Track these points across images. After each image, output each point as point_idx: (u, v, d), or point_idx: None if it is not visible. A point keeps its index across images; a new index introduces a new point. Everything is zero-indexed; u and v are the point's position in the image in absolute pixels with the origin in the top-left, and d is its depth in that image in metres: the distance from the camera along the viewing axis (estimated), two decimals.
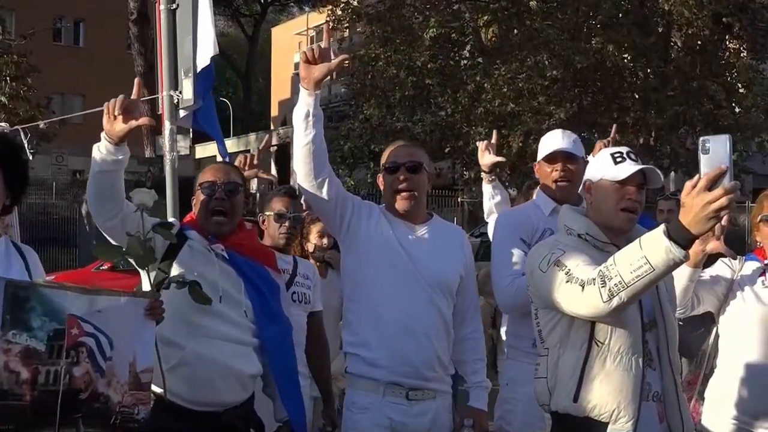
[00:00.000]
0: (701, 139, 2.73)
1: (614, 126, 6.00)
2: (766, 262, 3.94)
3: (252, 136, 36.79)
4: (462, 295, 3.86)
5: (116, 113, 3.31)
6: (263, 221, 4.79)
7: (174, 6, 5.55)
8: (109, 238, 3.50)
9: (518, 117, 22.55)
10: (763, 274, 3.91)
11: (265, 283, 3.76)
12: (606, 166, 3.22)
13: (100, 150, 3.33)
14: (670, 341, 3.19)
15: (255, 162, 4.78)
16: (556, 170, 4.25)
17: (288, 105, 54.74)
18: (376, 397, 3.64)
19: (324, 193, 3.62)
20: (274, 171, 34.01)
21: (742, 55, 25.78)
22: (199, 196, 3.68)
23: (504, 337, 5.20)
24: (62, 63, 34.15)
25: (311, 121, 3.53)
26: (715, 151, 2.69)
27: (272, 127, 44.04)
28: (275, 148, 35.54)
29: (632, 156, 3.22)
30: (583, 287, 2.94)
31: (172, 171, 5.51)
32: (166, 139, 5.57)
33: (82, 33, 40.08)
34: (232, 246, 3.69)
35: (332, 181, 3.64)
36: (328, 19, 27.28)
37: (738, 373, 3.88)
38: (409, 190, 3.74)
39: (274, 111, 55.63)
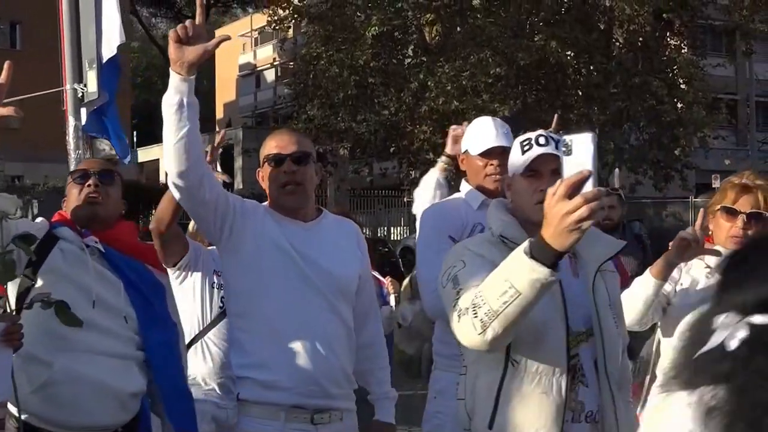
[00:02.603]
0: (563, 138, 2.33)
1: (555, 116, 5.69)
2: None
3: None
4: (360, 296, 3.41)
5: None
6: None
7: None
8: None
9: (463, 115, 22.14)
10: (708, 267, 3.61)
11: (148, 285, 3.31)
12: (516, 157, 2.84)
13: None
14: (609, 353, 2.76)
15: (207, 160, 4.24)
16: (491, 165, 3.86)
17: (233, 107, 54.31)
18: (277, 425, 3.15)
19: (202, 194, 3.10)
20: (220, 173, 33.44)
21: (683, 51, 25.90)
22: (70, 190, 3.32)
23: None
24: None
25: (185, 112, 2.98)
26: (578, 153, 2.27)
27: (217, 130, 43.34)
28: (219, 150, 35.00)
29: (541, 140, 2.81)
30: (459, 316, 2.52)
31: None
32: (70, 137, 5.12)
33: (18, 33, 38.99)
34: (107, 241, 3.25)
35: (210, 181, 3.14)
36: (269, 18, 26.89)
37: None
38: (297, 183, 3.25)
39: (219, 113, 55.12)
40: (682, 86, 24.73)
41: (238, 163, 33.63)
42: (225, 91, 55.88)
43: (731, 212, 3.56)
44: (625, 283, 3.69)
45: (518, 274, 2.34)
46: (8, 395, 2.83)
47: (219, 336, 4.37)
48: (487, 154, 3.88)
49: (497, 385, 2.71)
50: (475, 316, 2.44)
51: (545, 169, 2.77)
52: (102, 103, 5.04)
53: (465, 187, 4.09)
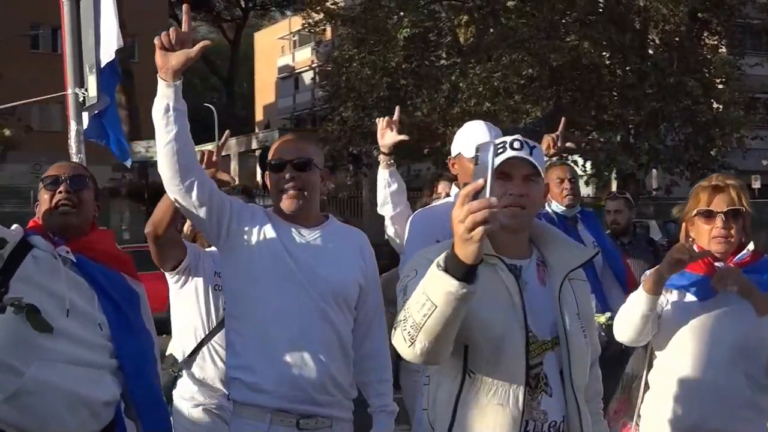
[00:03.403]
0: (476, 146, 2.27)
1: (562, 119, 5.60)
2: (716, 264, 3.53)
3: (233, 141, 36.33)
4: (363, 307, 3.36)
5: None
6: None
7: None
8: None
9: (495, 116, 22.01)
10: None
11: (121, 293, 3.26)
12: (490, 159, 2.77)
13: None
14: (574, 362, 2.68)
15: (213, 159, 4.18)
16: None
17: (272, 109, 54.44)
18: (263, 427, 3.13)
19: (194, 197, 3.12)
20: (259, 175, 33.61)
21: (720, 50, 25.50)
22: (42, 196, 3.26)
23: None
24: (40, 70, 33.67)
25: (172, 116, 3.02)
26: (482, 161, 2.23)
27: (255, 132, 43.54)
28: (259, 151, 35.11)
29: (516, 144, 2.73)
30: (395, 328, 2.45)
31: None
32: (72, 141, 5.15)
33: (59, 40, 39.40)
34: (81, 250, 3.21)
35: (203, 184, 3.14)
36: (303, 21, 26.95)
37: (671, 386, 3.47)
38: (297, 189, 3.23)
39: (259, 115, 55.31)
40: (719, 86, 24.35)
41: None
42: (264, 94, 56.05)
43: (708, 214, 3.49)
44: (633, 288, 3.61)
45: (433, 286, 2.27)
46: None
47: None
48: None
49: (455, 396, 2.64)
50: (404, 329, 2.39)
51: (517, 173, 2.69)
52: (102, 107, 5.06)
53: (455, 191, 4.03)
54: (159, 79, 3.04)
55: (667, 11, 23.02)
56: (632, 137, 24.18)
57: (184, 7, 3.18)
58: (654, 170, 26.11)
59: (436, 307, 2.26)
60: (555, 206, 5.51)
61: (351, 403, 3.34)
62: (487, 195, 2.12)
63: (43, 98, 6.90)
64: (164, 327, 4.32)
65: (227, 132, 4.39)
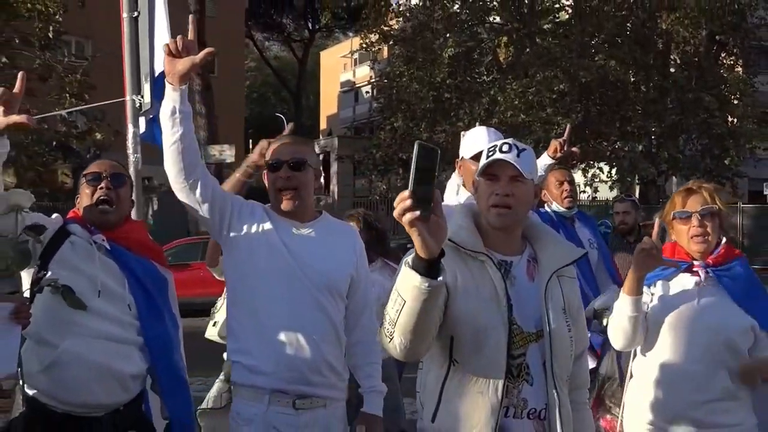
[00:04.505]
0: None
1: (567, 126, 5.38)
2: (695, 261, 3.31)
3: None
4: (353, 296, 3.23)
5: None
6: None
7: (135, 14, 5.08)
8: None
9: (529, 127, 21.87)
10: (687, 270, 3.31)
11: (150, 279, 3.17)
12: (482, 161, 2.61)
13: None
14: (556, 354, 2.52)
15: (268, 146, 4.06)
16: None
17: (335, 119, 54.64)
18: (261, 407, 3.00)
19: (197, 195, 3.02)
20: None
21: (735, 69, 24.96)
22: (83, 190, 3.17)
23: None
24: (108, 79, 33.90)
25: (178, 118, 2.91)
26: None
27: (319, 138, 43.67)
28: (321, 156, 35.17)
29: (505, 148, 2.57)
30: (381, 326, 2.31)
31: (135, 172, 5.01)
32: (129, 142, 5.06)
33: None
34: (116, 238, 3.13)
35: (206, 182, 3.03)
36: (362, 42, 26.90)
37: (652, 377, 3.26)
38: (293, 188, 3.13)
39: (323, 124, 55.56)
40: (734, 102, 23.84)
41: (334, 167, 33.69)
42: (328, 105, 56.29)
43: (684, 215, 3.28)
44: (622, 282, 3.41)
45: (402, 283, 2.14)
46: (12, 370, 2.74)
47: None
48: (477, 158, 3.66)
49: (441, 383, 2.52)
50: (384, 326, 2.27)
51: (503, 174, 2.55)
52: (156, 113, 4.97)
53: (463, 191, 3.86)
54: (166, 83, 2.93)
55: (688, 34, 22.67)
56: (653, 147, 23.75)
57: (190, 17, 3.07)
58: (673, 177, 25.56)
59: (405, 302, 2.14)
60: (555, 206, 5.32)
61: (344, 385, 3.20)
62: (407, 191, 1.96)
63: (108, 102, 6.84)
64: None
65: (291, 124, 4.21)
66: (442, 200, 2.24)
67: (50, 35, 18.78)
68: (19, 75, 2.94)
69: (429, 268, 2.07)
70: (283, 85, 52.11)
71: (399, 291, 2.14)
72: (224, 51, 40.19)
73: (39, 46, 18.61)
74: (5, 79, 17.84)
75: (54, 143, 19.78)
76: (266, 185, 3.22)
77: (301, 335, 3.02)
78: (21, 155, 19.38)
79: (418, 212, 1.96)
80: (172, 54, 2.88)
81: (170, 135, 2.94)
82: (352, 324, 3.23)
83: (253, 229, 3.11)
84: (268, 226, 3.11)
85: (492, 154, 2.56)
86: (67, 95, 18.11)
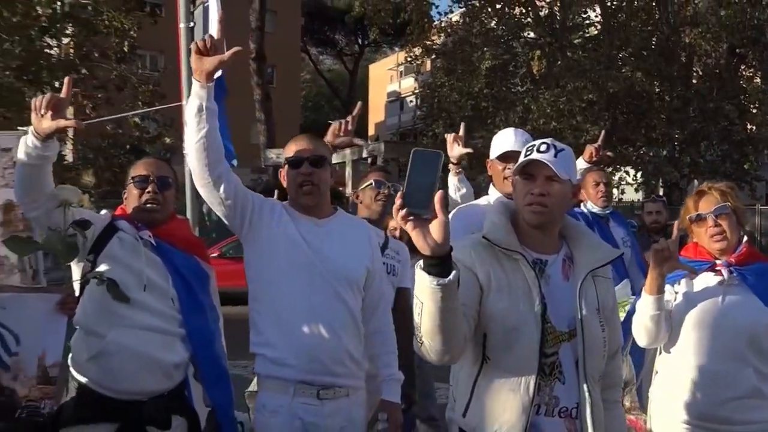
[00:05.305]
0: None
1: (603, 133, 5.20)
2: (717, 261, 3.08)
3: (347, 150, 36.36)
4: (370, 288, 3.07)
5: (43, 111, 2.67)
6: (357, 196, 4.10)
7: (192, 24, 5.00)
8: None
9: (560, 133, 21.42)
10: (709, 270, 3.08)
11: (193, 274, 3.05)
12: (519, 160, 2.42)
13: (27, 143, 2.69)
14: (588, 352, 2.33)
15: (348, 128, 3.83)
16: (509, 168, 3.49)
17: (382, 126, 54.56)
18: (286, 399, 2.86)
19: (221, 191, 2.86)
20: None
21: (755, 80, 24.27)
22: (131, 190, 3.05)
23: None
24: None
25: (204, 115, 2.75)
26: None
27: (368, 142, 43.62)
28: (369, 159, 35.05)
29: (542, 147, 2.37)
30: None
31: (190, 172, 4.90)
32: (185, 144, 4.96)
33: None
34: (160, 235, 3.01)
35: (229, 178, 2.88)
36: (407, 56, 26.70)
37: (678, 374, 3.03)
38: (312, 183, 2.98)
39: (371, 131, 55.49)
40: (753, 110, 23.18)
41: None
42: (376, 113, 56.26)
43: (699, 218, 3.06)
44: None
45: (417, 285, 1.98)
46: (58, 359, 2.64)
47: None
48: (504, 158, 3.50)
49: (474, 378, 2.34)
50: (414, 331, 2.09)
51: (539, 174, 2.37)
52: None
53: (492, 191, 3.69)
54: (194, 81, 2.79)
55: (709, 47, 22.07)
56: (677, 152, 23.18)
57: (218, 17, 2.93)
58: (695, 180, 24.93)
59: (423, 304, 1.97)
60: (590, 206, 5.20)
61: (364, 374, 3.05)
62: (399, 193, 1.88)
63: (166, 107, 6.76)
64: None
65: (359, 105, 3.96)
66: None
67: (125, 49, 18.94)
68: (66, 80, 2.84)
69: (440, 267, 1.90)
70: (335, 95, 52.27)
71: (416, 294, 1.98)
72: (282, 64, 40.44)
73: (115, 59, 18.80)
74: (85, 89, 18.07)
75: (128, 146, 19.96)
76: (284, 183, 3.05)
77: (323, 327, 2.87)
78: (99, 158, 19.63)
79: (411, 213, 1.85)
80: (200, 52, 2.72)
81: (196, 132, 2.77)
82: (369, 315, 3.08)
83: (274, 225, 2.96)
84: (288, 222, 2.96)
85: (529, 154, 2.38)
86: (140, 103, 18.26)
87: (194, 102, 2.78)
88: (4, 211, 4.12)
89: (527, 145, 2.45)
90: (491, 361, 2.30)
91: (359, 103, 3.98)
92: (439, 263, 1.91)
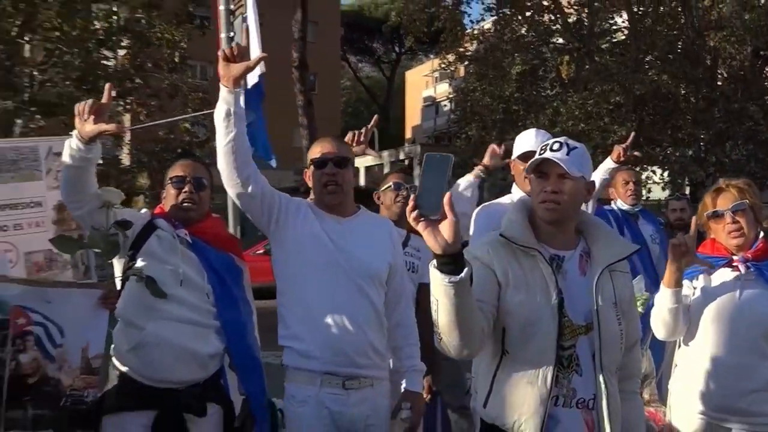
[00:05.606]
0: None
1: (632, 134, 5.11)
2: (733, 257, 2.99)
3: (386, 152, 36.30)
4: (392, 283, 3.04)
5: (86, 116, 2.69)
6: (379, 197, 4.08)
7: (231, 34, 5.01)
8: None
9: (588, 135, 21.15)
10: (727, 266, 2.99)
11: (226, 269, 3.05)
12: (533, 159, 2.37)
13: (71, 146, 2.71)
14: (605, 346, 2.27)
15: (362, 139, 3.90)
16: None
17: (418, 129, 54.48)
18: (314, 389, 2.85)
19: (249, 191, 2.84)
20: None
21: None
22: (169, 190, 3.06)
23: None
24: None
25: (232, 120, 2.74)
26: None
27: (404, 145, 43.58)
28: (406, 161, 35.01)
29: (555, 146, 2.32)
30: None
31: None
32: None
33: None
34: (196, 233, 3.02)
35: (257, 179, 2.86)
36: (441, 62, 26.60)
37: (697, 367, 2.94)
38: (336, 183, 2.96)
39: (408, 134, 55.48)
40: None
41: (416, 171, 33.50)
42: (413, 117, 56.28)
43: (717, 215, 2.97)
44: None
45: (432, 284, 1.97)
46: (101, 350, 2.67)
47: None
48: (524, 157, 3.44)
49: (493, 371, 2.31)
50: (434, 328, 2.08)
51: (552, 172, 2.32)
52: (249, 121, 4.85)
53: (515, 189, 3.63)
54: (221, 87, 2.75)
55: (734, 50, 21.63)
56: (702, 152, 22.72)
57: (243, 26, 2.92)
58: (720, 179, 24.42)
59: (438, 301, 1.95)
60: (620, 203, 5.12)
61: (387, 365, 3.03)
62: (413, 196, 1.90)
63: (209, 112, 6.80)
64: None
65: (376, 117, 4.04)
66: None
67: (176, 60, 19.14)
68: (106, 86, 2.85)
69: (452, 265, 1.88)
70: (374, 100, 52.37)
71: (432, 292, 1.96)
72: (323, 72, 40.57)
73: (167, 69, 19.01)
74: (139, 97, 18.31)
75: (179, 150, 20.17)
76: (309, 183, 3.03)
77: (347, 321, 2.85)
78: (153, 161, 19.86)
79: (422, 214, 1.85)
80: (228, 59, 2.70)
81: (225, 135, 2.76)
82: (391, 308, 3.05)
83: (300, 223, 2.94)
84: (313, 220, 2.94)
85: (542, 153, 2.34)
86: (189, 110, 18.44)
87: (222, 107, 2.77)
88: (58, 211, 4.18)
89: (542, 144, 2.41)
90: (510, 354, 2.27)
91: (376, 117, 4.01)
92: (451, 261, 1.89)
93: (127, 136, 20.37)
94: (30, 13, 15.33)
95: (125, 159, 20.72)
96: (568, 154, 2.32)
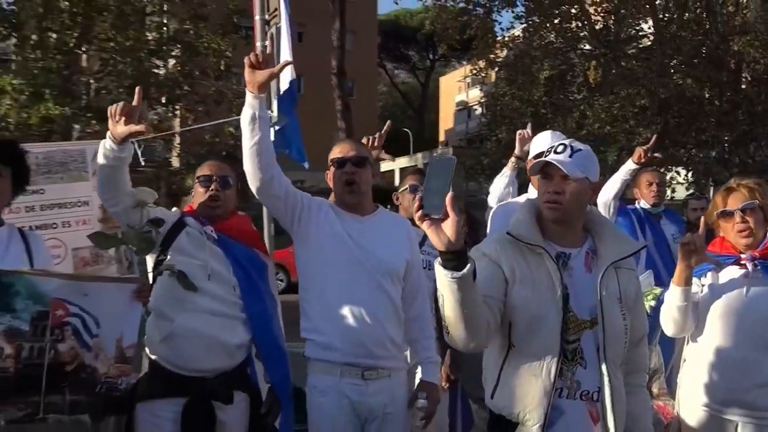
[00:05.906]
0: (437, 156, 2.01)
1: (654, 136, 5.04)
2: (741, 255, 2.91)
3: (419, 154, 36.22)
4: (409, 278, 3.03)
5: (117, 118, 2.73)
6: (397, 198, 4.08)
7: (266, 43, 5.03)
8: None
9: (613, 137, 20.93)
10: (735, 263, 2.92)
11: (251, 264, 3.07)
12: (538, 161, 2.35)
13: (105, 146, 2.76)
14: (609, 339, 2.24)
15: (376, 144, 3.91)
16: None
17: (451, 132, 54.30)
18: (334, 380, 2.86)
19: (273, 191, 2.85)
20: None
21: None
22: (197, 189, 3.10)
23: None
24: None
25: (257, 124, 2.73)
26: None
27: (438, 148, 43.44)
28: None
29: (559, 149, 2.30)
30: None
31: None
32: None
33: (302, 84, 40.41)
34: (222, 229, 3.04)
35: (280, 180, 2.86)
36: (473, 68, 26.48)
37: (705, 362, 2.88)
38: (356, 182, 2.96)
39: (441, 137, 55.40)
40: None
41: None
42: (446, 121, 56.17)
43: (726, 214, 2.89)
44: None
45: (437, 280, 1.96)
46: (134, 340, 2.70)
47: None
48: (539, 158, 3.38)
49: (500, 364, 2.30)
50: (442, 323, 2.07)
51: (555, 173, 2.29)
52: (282, 125, 4.88)
53: (531, 189, 3.60)
54: (247, 92, 2.75)
55: (758, 54, 21.05)
56: (726, 153, 22.26)
57: (269, 35, 2.93)
58: (732, 179, 23.89)
59: (444, 296, 1.95)
60: (643, 204, 5.05)
61: (404, 356, 3.04)
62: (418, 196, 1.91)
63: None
64: None
65: (388, 123, 4.07)
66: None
67: (222, 68, 19.32)
68: (137, 90, 2.88)
69: (456, 262, 1.87)
70: (409, 105, 52.43)
71: (438, 288, 1.96)
72: (361, 78, 40.61)
73: (214, 76, 19.19)
74: (187, 103, 18.54)
75: (224, 153, 20.38)
76: (330, 182, 3.03)
77: (367, 315, 2.85)
78: (200, 163, 20.06)
79: (426, 213, 1.86)
80: (253, 66, 2.70)
81: (250, 138, 2.75)
82: (408, 303, 3.04)
83: (321, 222, 2.94)
84: (334, 219, 2.94)
85: (547, 155, 2.33)
86: (234, 115, 18.60)
87: (248, 112, 2.77)
88: (103, 210, 4.25)
89: (548, 146, 2.38)
90: (516, 348, 2.25)
91: (389, 122, 4.02)
92: (454, 258, 1.89)
93: (177, 140, 20.64)
94: (87, 25, 15.66)
95: (175, 161, 21.03)
96: (571, 156, 2.30)
